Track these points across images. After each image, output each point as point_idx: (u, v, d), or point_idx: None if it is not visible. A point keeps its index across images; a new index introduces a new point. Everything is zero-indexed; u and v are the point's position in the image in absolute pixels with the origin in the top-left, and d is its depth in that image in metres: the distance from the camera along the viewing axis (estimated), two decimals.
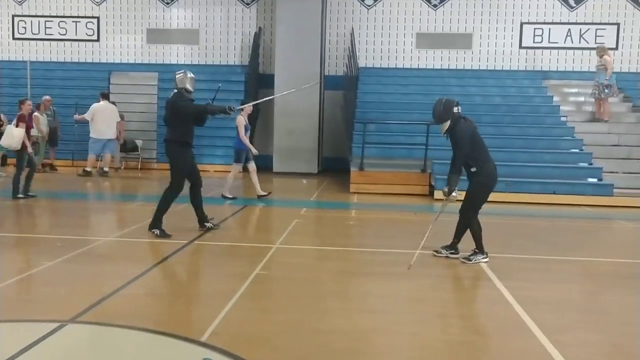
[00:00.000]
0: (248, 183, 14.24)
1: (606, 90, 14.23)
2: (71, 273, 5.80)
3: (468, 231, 6.65)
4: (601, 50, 14.60)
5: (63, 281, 5.53)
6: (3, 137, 10.36)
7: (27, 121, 10.33)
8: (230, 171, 11.34)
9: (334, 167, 16.93)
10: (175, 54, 18.58)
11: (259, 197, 10.94)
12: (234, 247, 7.15)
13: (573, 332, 4.54)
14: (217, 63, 18.28)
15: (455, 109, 6.52)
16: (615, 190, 11.97)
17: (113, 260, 6.37)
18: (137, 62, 18.59)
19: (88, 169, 14.26)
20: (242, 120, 10.70)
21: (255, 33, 17.89)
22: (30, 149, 10.33)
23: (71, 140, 15.82)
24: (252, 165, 10.95)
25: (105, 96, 15.00)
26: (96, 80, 17.56)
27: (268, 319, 4.56)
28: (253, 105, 11.04)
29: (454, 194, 6.55)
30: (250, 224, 9.40)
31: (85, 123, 14.64)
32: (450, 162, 6.63)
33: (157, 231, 7.29)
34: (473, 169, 6.53)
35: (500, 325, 4.61)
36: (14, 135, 10.03)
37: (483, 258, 6.52)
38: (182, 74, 7.58)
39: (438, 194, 11.76)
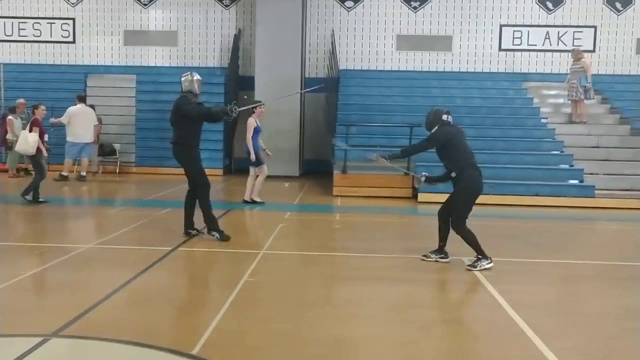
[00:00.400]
0: (232, 187, 14.10)
1: (586, 93, 14.36)
2: (53, 283, 5.61)
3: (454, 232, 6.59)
4: (578, 53, 14.73)
5: (44, 291, 5.34)
6: (18, 143, 10.49)
7: (40, 126, 10.46)
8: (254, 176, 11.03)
9: (315, 170, 16.83)
10: (153, 55, 18.32)
11: (244, 201, 10.78)
12: (221, 254, 7.00)
13: (570, 337, 4.49)
14: (196, 65, 18.01)
15: (444, 117, 6.59)
16: (596, 191, 12.07)
17: (96, 268, 6.18)
18: (114, 64, 18.28)
19: (65, 173, 13.96)
20: (252, 123, 10.60)
21: (235, 35, 17.72)
22: (45, 153, 10.46)
23: (47, 144, 15.45)
24: (257, 170, 10.79)
25: (82, 99, 14.70)
26: (72, 83, 17.22)
27: (261, 328, 4.43)
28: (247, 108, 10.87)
29: (384, 158, 6.75)
30: (235, 228, 9.10)
31: (61, 127, 14.33)
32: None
33: (215, 234, 7.40)
34: (453, 174, 6.48)
35: (497, 331, 4.55)
36: (29, 140, 10.17)
37: (487, 263, 6.36)
38: (187, 76, 7.49)
39: (422, 197, 11.75)
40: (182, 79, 7.51)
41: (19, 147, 10.40)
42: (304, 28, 17.04)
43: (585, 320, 4.91)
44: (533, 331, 4.42)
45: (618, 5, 17.78)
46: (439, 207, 6.74)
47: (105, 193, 13.16)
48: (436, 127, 6.58)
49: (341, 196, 12.29)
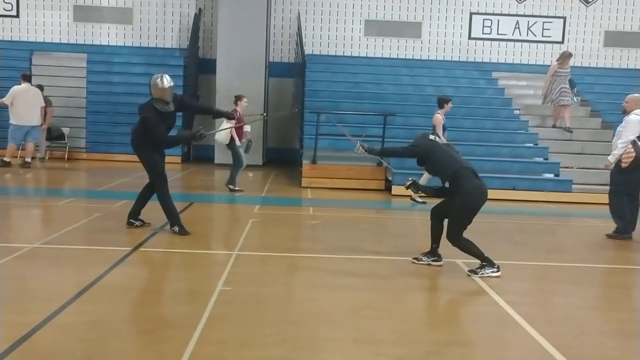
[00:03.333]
0: (191, 176, 13.18)
1: (574, 97, 13.90)
2: None
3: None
4: (569, 56, 13.69)
5: None
6: (216, 134, 10.42)
7: (239, 117, 10.21)
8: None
9: (279, 159, 16.05)
10: (106, 34, 17.05)
11: (412, 199, 10.15)
12: (188, 255, 6.16)
13: None
14: (152, 45, 16.94)
15: (430, 137, 6.20)
16: (573, 186, 11.71)
17: (40, 276, 5.27)
18: (62, 41, 16.95)
19: (7, 159, 12.74)
20: (440, 119, 10.02)
21: (195, 14, 16.65)
22: (238, 142, 10.43)
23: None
24: None
25: (27, 78, 13.43)
26: (16, 61, 15.88)
27: (247, 356, 3.66)
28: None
29: (363, 149, 6.32)
30: (201, 225, 8.12)
31: (4, 108, 13.07)
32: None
33: (176, 228, 6.89)
34: (446, 184, 5.87)
35: (521, 356, 3.91)
36: (221, 131, 10.11)
37: (493, 272, 5.66)
38: (158, 82, 6.66)
39: (395, 189, 11.12)
40: (152, 82, 6.68)
41: (217, 136, 10.47)
42: (269, 9, 16.11)
43: (613, 341, 4.30)
44: (564, 355, 3.80)
45: None
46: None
47: (53, 182, 12.04)
48: None
49: (310, 187, 11.56)
